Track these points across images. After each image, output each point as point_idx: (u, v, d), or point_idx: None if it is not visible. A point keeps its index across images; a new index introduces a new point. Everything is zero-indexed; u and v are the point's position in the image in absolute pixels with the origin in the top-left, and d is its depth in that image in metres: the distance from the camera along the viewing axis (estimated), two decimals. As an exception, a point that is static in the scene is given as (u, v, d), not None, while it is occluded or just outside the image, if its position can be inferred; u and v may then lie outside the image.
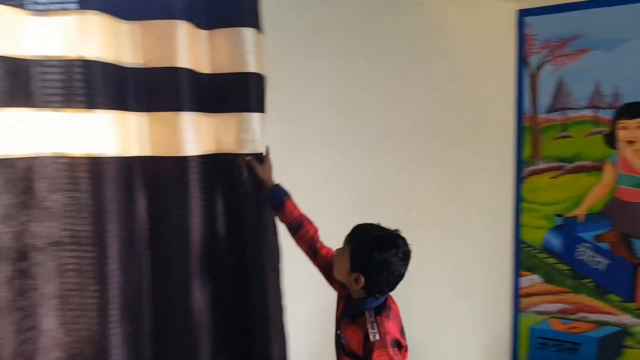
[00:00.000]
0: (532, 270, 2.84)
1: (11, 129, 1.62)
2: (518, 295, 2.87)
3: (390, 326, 1.69)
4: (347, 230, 2.41)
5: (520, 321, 2.88)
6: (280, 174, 2.25)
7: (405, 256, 1.71)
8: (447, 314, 2.81)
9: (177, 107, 1.84)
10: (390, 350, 1.64)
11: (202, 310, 1.92)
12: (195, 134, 1.89)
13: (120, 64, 1.80)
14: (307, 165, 2.33)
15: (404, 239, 1.73)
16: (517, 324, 2.89)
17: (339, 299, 1.86)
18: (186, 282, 1.88)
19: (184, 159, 1.85)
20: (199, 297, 1.91)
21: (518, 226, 2.82)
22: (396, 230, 1.76)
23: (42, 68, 1.68)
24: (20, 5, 1.62)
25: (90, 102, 1.73)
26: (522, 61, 2.75)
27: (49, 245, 1.69)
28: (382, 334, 1.65)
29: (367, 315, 1.69)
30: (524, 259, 2.85)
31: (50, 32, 1.69)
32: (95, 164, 1.74)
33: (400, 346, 1.70)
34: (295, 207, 2.00)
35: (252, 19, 1.97)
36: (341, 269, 1.75)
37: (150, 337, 1.86)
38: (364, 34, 2.44)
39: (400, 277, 1.72)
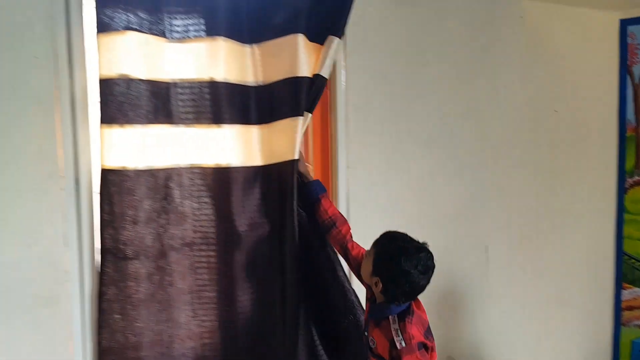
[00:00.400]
0: (634, 283, 2.78)
1: (154, 144, 1.85)
2: (620, 308, 2.82)
3: (414, 331, 1.68)
4: (450, 238, 2.49)
5: (622, 335, 2.82)
6: (383, 186, 2.37)
7: (426, 270, 1.69)
8: (546, 326, 2.79)
9: (296, 112, 1.96)
10: (418, 354, 1.64)
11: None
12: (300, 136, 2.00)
13: (244, 83, 1.98)
14: (408, 175, 2.42)
15: (428, 253, 1.71)
16: (618, 338, 2.83)
17: (367, 299, 1.86)
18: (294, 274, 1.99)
19: (293, 162, 1.95)
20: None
21: (620, 238, 2.77)
22: (424, 243, 1.74)
23: (178, 89, 1.89)
24: (162, 34, 1.85)
25: (218, 118, 1.93)
26: (625, 70, 2.71)
27: (183, 245, 1.90)
28: (407, 340, 1.65)
29: (391, 321, 1.69)
30: (627, 271, 2.79)
31: (185, 57, 1.90)
32: (222, 173, 1.93)
33: (426, 347, 1.70)
34: (330, 205, 1.98)
35: (340, 30, 2.01)
36: (365, 271, 1.77)
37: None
38: (464, 46, 2.49)
39: (419, 288, 1.71)
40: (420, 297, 1.76)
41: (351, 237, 1.96)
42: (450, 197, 2.51)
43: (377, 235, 2.33)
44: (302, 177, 2.00)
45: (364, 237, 2.29)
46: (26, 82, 1.73)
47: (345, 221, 1.97)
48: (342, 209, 2.29)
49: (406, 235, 1.76)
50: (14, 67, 1.71)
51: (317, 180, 2.04)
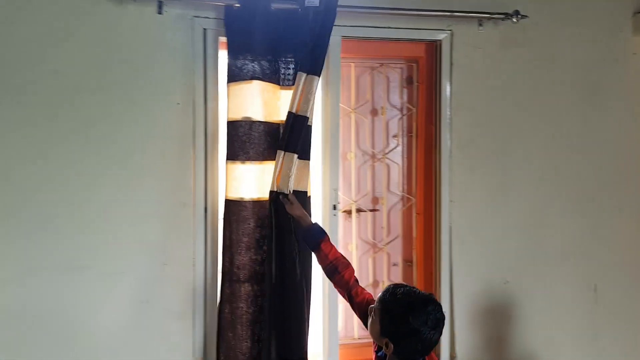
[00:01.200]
0: None
1: (264, 177, 2.05)
2: None
3: None
4: (556, 276, 2.46)
5: None
6: (487, 221, 2.40)
7: (437, 324, 1.55)
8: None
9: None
10: None
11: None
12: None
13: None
14: (514, 211, 2.42)
15: (435, 304, 1.58)
16: None
17: (374, 351, 1.72)
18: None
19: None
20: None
21: None
22: (430, 294, 1.63)
23: (281, 129, 2.07)
24: (277, 82, 2.07)
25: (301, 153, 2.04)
26: None
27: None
28: None
29: None
30: None
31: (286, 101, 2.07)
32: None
33: None
34: (331, 248, 1.87)
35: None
36: (374, 330, 1.63)
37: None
38: (574, 84, 2.45)
39: (431, 344, 1.56)
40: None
41: (356, 281, 1.84)
42: (557, 234, 2.47)
43: (480, 268, 2.39)
44: (301, 220, 1.96)
45: (465, 269, 2.36)
46: (169, 125, 2.03)
47: (347, 265, 1.86)
48: (445, 242, 2.36)
49: (410, 288, 1.63)
50: (159, 112, 2.02)
51: (316, 224, 1.97)
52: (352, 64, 2.43)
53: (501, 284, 2.43)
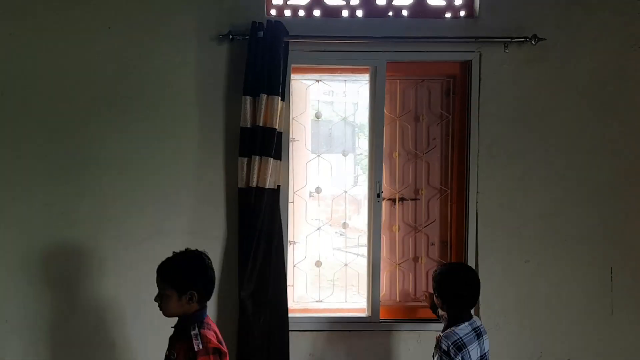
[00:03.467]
0: None
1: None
2: None
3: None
4: (574, 258, 2.88)
5: None
6: (510, 209, 2.87)
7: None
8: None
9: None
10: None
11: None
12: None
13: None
14: (535, 201, 2.83)
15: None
16: None
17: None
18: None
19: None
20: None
21: None
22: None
23: None
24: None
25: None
26: None
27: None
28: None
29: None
30: None
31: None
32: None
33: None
34: None
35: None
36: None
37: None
38: (594, 92, 2.82)
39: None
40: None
41: None
42: (574, 222, 2.88)
43: (502, 248, 2.87)
44: None
45: (489, 249, 2.86)
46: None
47: None
48: (472, 226, 2.88)
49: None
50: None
51: None
52: (398, 81, 3.01)
53: (522, 262, 2.89)
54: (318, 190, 3.00)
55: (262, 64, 2.58)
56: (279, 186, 2.71)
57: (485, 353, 2.22)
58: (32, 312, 2.77)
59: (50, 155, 2.75)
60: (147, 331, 2.76)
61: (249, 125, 2.62)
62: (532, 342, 2.91)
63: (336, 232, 3.09)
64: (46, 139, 2.75)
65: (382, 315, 2.91)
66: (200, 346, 1.89)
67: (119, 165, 2.76)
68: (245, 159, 2.64)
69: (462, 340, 2.14)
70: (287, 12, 2.82)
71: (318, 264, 3.03)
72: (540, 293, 2.90)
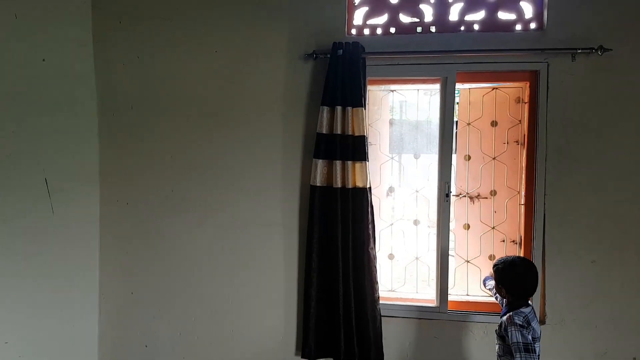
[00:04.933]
0: None
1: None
2: None
3: None
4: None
5: None
6: (578, 210, 3.01)
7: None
8: None
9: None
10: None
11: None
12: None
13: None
14: (604, 204, 2.94)
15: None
16: None
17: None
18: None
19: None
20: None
21: None
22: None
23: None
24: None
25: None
26: None
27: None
28: None
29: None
30: None
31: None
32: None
33: None
34: None
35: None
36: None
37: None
38: None
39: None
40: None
41: None
42: (640, 225, 2.98)
43: (569, 248, 3.01)
44: None
45: (556, 248, 3.01)
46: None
47: None
48: (539, 226, 3.05)
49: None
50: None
51: None
52: (469, 90, 3.24)
53: (588, 262, 3.02)
54: (391, 189, 3.32)
55: (341, 78, 2.94)
56: (369, 187, 3.03)
57: (539, 334, 2.49)
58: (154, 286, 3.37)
59: (172, 156, 3.30)
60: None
61: (324, 132, 2.99)
62: (597, 339, 3.02)
63: (409, 228, 3.37)
64: (171, 142, 3.29)
65: (452, 307, 3.16)
66: None
67: (220, 165, 3.25)
68: (320, 161, 3.01)
69: (528, 317, 2.47)
70: (366, 31, 3.16)
71: (391, 256, 3.34)
72: (606, 292, 3.00)
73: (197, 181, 3.29)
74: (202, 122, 3.26)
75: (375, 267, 3.03)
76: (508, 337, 2.44)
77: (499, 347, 2.57)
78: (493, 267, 2.65)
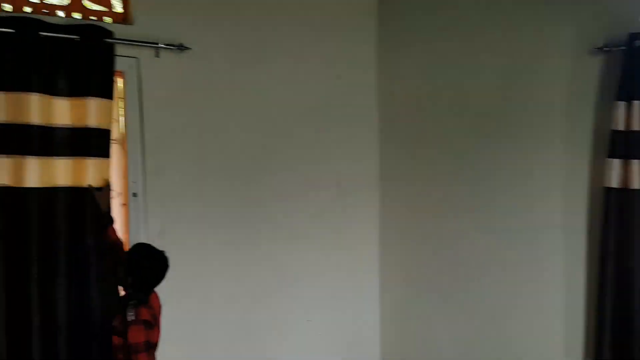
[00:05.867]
0: None
1: None
2: None
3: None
4: None
5: None
6: None
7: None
8: None
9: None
10: None
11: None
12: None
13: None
14: None
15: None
16: None
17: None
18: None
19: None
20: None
21: None
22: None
23: None
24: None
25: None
26: None
27: None
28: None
29: None
30: None
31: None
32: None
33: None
34: (113, 232, 2.63)
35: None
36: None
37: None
38: None
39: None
40: None
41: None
42: None
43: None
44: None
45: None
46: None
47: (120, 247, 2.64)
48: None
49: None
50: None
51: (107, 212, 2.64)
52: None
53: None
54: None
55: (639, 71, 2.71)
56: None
57: None
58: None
59: (449, 159, 3.40)
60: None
61: (621, 129, 2.78)
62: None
63: None
64: (447, 146, 3.39)
65: None
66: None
67: (497, 167, 3.22)
68: (616, 161, 2.81)
69: None
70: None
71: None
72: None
73: (474, 183, 3.33)
74: (479, 124, 3.30)
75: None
76: None
77: None
78: None
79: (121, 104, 2.89)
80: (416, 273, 3.58)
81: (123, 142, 2.91)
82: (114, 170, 2.85)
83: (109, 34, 2.65)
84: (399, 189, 3.66)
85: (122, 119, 2.91)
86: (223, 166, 3.16)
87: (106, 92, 2.61)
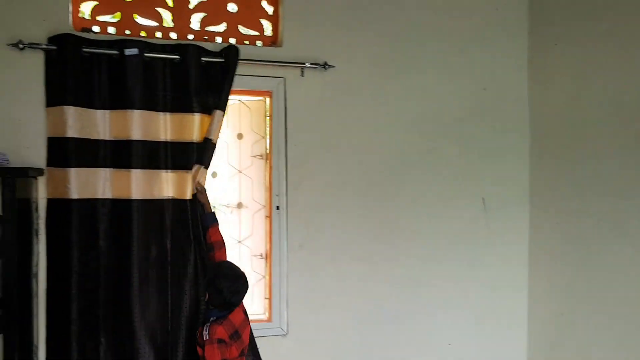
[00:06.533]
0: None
1: None
2: None
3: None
4: None
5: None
6: None
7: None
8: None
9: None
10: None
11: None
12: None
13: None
14: None
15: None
16: None
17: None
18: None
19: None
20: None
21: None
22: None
23: None
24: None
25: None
26: None
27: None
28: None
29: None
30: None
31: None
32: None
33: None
34: (214, 233, 2.67)
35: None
36: None
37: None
38: None
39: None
40: None
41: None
42: None
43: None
44: (204, 207, 2.73)
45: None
46: None
47: (222, 246, 2.66)
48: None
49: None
50: None
51: (212, 213, 2.74)
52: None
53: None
54: None
55: None
56: None
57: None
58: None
59: (605, 179, 3.01)
60: None
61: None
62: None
63: None
64: (604, 164, 3.00)
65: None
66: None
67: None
68: None
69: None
70: None
71: None
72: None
73: (630, 205, 2.92)
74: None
75: None
76: None
77: None
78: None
79: (268, 121, 3.07)
80: (570, 298, 3.25)
81: (268, 157, 3.08)
82: (258, 185, 3.09)
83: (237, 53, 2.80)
84: (551, 205, 3.36)
85: (267, 136, 3.08)
86: (361, 181, 3.17)
87: (224, 106, 2.79)
